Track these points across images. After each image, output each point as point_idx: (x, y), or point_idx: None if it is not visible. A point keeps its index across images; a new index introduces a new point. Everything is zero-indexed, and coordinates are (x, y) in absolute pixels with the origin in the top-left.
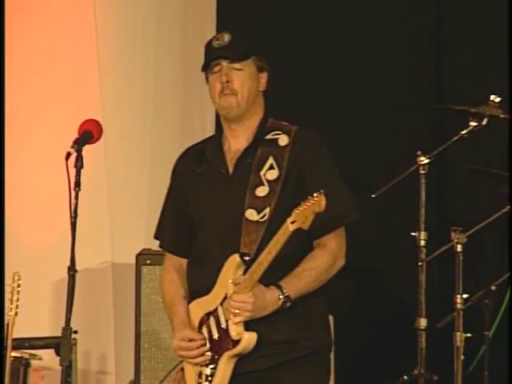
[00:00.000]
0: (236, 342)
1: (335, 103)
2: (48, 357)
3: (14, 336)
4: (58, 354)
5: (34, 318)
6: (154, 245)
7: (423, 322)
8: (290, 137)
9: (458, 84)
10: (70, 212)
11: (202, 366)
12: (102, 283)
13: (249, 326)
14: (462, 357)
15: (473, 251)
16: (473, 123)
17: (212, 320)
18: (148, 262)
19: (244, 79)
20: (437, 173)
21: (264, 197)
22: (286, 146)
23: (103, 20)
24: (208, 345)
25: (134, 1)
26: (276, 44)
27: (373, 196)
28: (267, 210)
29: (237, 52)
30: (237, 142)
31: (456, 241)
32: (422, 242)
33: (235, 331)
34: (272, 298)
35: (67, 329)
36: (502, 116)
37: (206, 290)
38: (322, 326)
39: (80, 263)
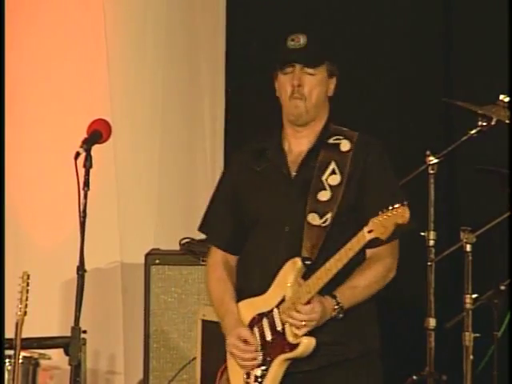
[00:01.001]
0: (293, 346)
1: (343, 102)
2: (57, 356)
3: (24, 336)
4: (67, 353)
5: (43, 317)
6: (163, 244)
7: (432, 322)
8: (351, 142)
9: (467, 83)
10: (79, 212)
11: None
12: (111, 283)
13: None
14: (471, 357)
15: (482, 251)
16: (482, 123)
17: (265, 321)
18: (157, 261)
19: (315, 84)
20: (446, 172)
21: (326, 201)
22: (348, 151)
23: (112, 20)
24: (259, 346)
25: (143, 0)
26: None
27: None
28: (329, 215)
29: (312, 57)
30: (299, 143)
31: (465, 241)
32: (431, 242)
33: (293, 336)
34: (329, 308)
35: (76, 328)
36: (507, 121)
37: (259, 290)
38: (372, 330)
39: (89, 263)
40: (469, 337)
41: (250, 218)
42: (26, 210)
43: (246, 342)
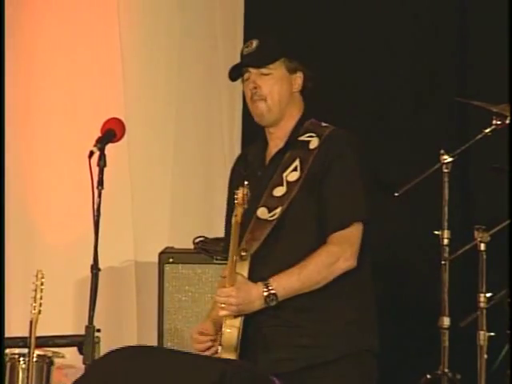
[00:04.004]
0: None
1: (358, 102)
2: (71, 355)
3: (38, 334)
4: (81, 352)
5: (57, 316)
6: (177, 243)
7: (446, 321)
8: (320, 139)
9: (482, 82)
10: (93, 211)
11: None
12: (124, 281)
13: (270, 327)
14: (486, 356)
15: (496, 250)
16: (496, 122)
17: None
18: (171, 260)
19: (272, 83)
20: (460, 171)
21: (279, 197)
22: (314, 149)
23: (127, 17)
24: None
25: None
26: (303, 41)
27: (396, 195)
28: (278, 210)
29: (262, 57)
30: (275, 144)
31: (479, 239)
32: (446, 241)
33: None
34: (257, 293)
35: (90, 327)
36: None
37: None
38: (361, 330)
39: (103, 262)
40: (483, 336)
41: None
42: (40, 208)
43: (202, 333)
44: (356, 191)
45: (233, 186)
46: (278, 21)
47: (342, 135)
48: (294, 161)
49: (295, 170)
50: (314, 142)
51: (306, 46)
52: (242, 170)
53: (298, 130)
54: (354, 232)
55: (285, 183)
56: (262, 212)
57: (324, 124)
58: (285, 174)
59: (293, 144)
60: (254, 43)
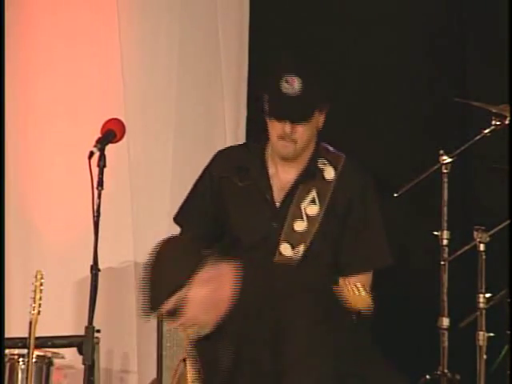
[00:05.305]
0: None
1: (358, 102)
2: (71, 355)
3: (37, 334)
4: (80, 352)
5: (56, 316)
6: None
7: (445, 322)
8: (336, 170)
9: (481, 82)
10: (93, 211)
11: None
12: (124, 282)
13: None
14: (485, 356)
15: (495, 250)
16: (496, 122)
17: None
18: None
19: (306, 129)
20: (460, 172)
21: (301, 232)
22: (330, 181)
23: (126, 19)
24: None
25: None
26: (307, 38)
27: (395, 195)
28: (301, 247)
29: (305, 111)
30: (286, 171)
31: (479, 240)
32: (445, 242)
33: None
34: None
35: (90, 328)
36: None
37: None
38: None
39: (103, 262)
40: (482, 336)
41: (230, 232)
42: (40, 209)
43: None
44: (380, 236)
45: (219, 185)
46: (284, 20)
47: (361, 174)
48: (310, 191)
49: (313, 202)
50: (330, 173)
51: (307, 46)
52: (235, 180)
53: (314, 158)
54: (370, 276)
55: (305, 217)
56: (284, 248)
57: (331, 149)
58: (303, 206)
59: (309, 173)
60: (296, 84)
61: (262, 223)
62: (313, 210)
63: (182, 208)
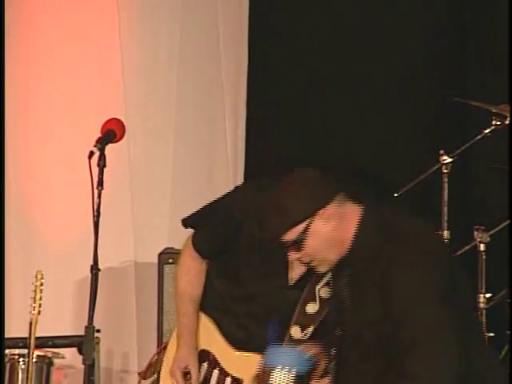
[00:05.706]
0: None
1: (358, 102)
2: (71, 355)
3: (37, 334)
4: (80, 352)
5: (57, 316)
6: (177, 244)
7: None
8: None
9: (481, 82)
10: (93, 211)
11: None
12: (124, 282)
13: None
14: None
15: (496, 250)
16: (496, 122)
17: (216, 372)
18: (170, 260)
19: None
20: (460, 172)
21: (312, 315)
22: None
23: (126, 19)
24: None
25: None
26: (306, 39)
27: (395, 195)
28: (311, 329)
29: None
30: None
31: (479, 240)
32: (445, 241)
33: None
34: None
35: (90, 327)
36: None
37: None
38: None
39: (103, 262)
40: None
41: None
42: (40, 209)
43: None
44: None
45: (240, 225)
46: (284, 20)
47: None
48: (326, 273)
49: (327, 285)
50: None
51: (307, 46)
52: (257, 235)
53: None
54: None
55: (317, 299)
56: (295, 331)
57: None
58: (317, 288)
59: None
60: None
61: (274, 289)
62: (326, 292)
63: (201, 216)
